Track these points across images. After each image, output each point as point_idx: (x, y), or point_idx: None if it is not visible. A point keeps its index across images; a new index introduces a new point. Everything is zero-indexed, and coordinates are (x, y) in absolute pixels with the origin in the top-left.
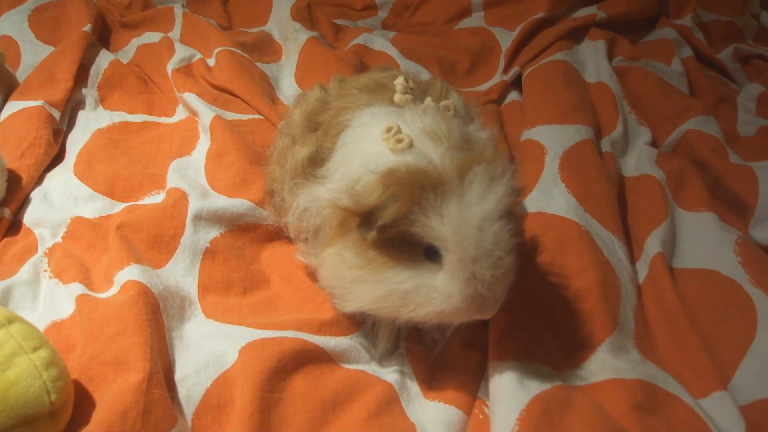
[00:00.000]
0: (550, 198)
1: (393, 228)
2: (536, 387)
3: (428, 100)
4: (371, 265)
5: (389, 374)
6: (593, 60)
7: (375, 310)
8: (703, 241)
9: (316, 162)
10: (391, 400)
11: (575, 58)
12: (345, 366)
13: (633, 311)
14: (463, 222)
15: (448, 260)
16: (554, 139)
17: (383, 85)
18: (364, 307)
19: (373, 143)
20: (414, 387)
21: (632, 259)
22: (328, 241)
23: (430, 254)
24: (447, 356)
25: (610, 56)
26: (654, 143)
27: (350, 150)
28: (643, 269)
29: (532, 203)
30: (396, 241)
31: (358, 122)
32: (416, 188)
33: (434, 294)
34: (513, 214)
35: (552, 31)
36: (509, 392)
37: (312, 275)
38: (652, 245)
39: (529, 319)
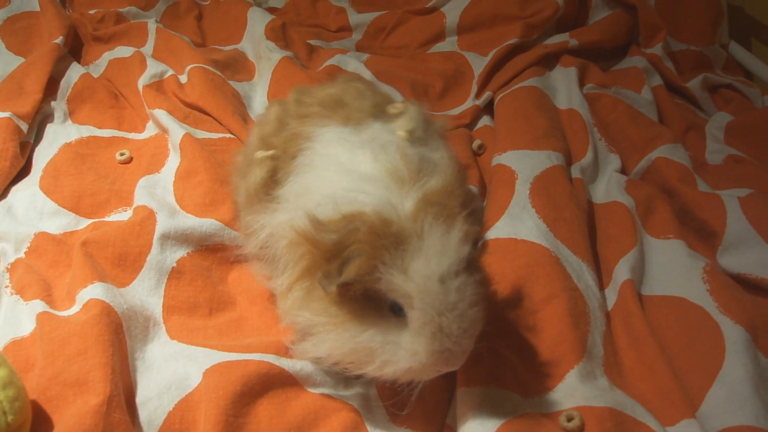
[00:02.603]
0: (521, 223)
1: (356, 284)
2: (504, 414)
3: (378, 126)
4: (334, 320)
5: (355, 399)
6: (565, 87)
7: (337, 364)
8: (672, 268)
9: (270, 185)
10: (357, 426)
11: (547, 85)
12: (310, 390)
13: (602, 338)
14: (426, 278)
15: (413, 316)
16: (525, 164)
17: (341, 101)
18: (325, 360)
19: (334, 170)
20: (381, 412)
21: (601, 285)
22: (291, 283)
23: (395, 309)
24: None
25: (582, 83)
26: (623, 170)
27: (310, 176)
28: (612, 296)
29: (503, 228)
30: (359, 296)
31: (317, 144)
32: (379, 244)
33: (401, 352)
34: (473, 260)
35: (525, 58)
36: (477, 419)
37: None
38: (621, 272)
39: (498, 345)
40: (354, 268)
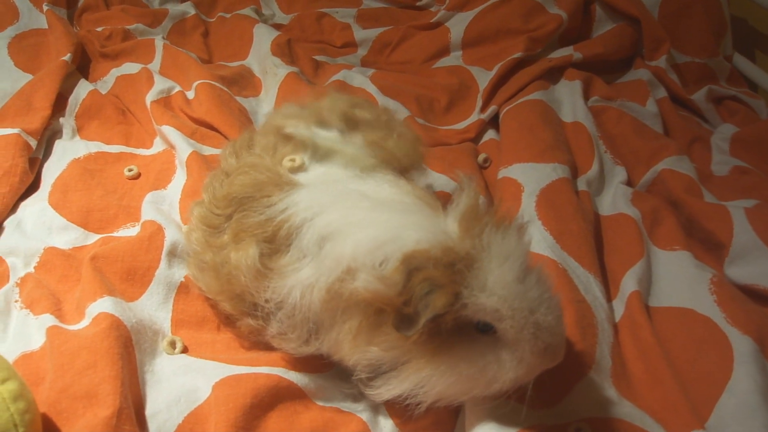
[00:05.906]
0: None
1: (446, 317)
2: (513, 426)
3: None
4: (421, 357)
5: (363, 412)
6: (569, 100)
7: (440, 400)
8: (679, 280)
9: (267, 255)
10: None
11: (552, 98)
12: (319, 403)
13: (610, 349)
14: (506, 286)
15: (507, 326)
16: (531, 177)
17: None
18: (417, 396)
19: (366, 206)
20: (388, 424)
21: (608, 297)
22: (355, 337)
23: (482, 329)
24: None
25: (586, 96)
26: (629, 182)
27: (325, 227)
28: (619, 307)
29: None
30: (447, 329)
31: (306, 200)
32: (453, 272)
33: (506, 365)
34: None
35: (529, 71)
36: (485, 431)
37: None
38: (629, 283)
39: None
40: (440, 300)
